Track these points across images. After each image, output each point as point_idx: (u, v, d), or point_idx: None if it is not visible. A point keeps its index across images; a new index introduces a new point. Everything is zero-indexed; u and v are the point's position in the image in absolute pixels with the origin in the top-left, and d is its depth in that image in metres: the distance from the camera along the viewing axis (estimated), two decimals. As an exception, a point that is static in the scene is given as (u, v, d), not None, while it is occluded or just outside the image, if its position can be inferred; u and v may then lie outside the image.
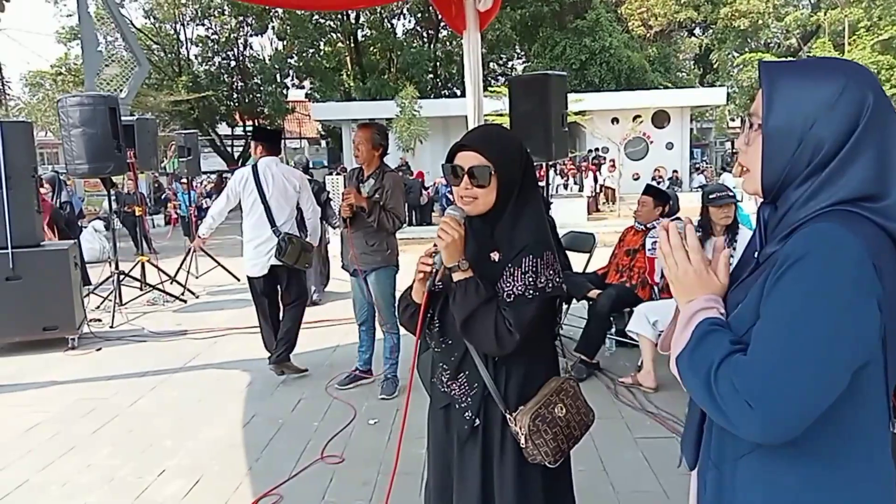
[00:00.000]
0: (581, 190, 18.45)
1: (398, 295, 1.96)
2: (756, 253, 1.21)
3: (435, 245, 1.78)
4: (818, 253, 1.02)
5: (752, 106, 1.17)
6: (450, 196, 13.97)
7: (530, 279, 1.70)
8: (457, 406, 1.84)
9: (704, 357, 1.10)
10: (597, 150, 21.87)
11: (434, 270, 1.79)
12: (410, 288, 1.90)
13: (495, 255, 1.77)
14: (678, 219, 1.29)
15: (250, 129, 31.37)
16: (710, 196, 4.45)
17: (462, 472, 1.85)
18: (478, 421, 1.81)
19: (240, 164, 30.43)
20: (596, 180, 19.11)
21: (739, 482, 1.17)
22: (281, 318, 4.92)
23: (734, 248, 4.18)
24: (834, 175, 1.08)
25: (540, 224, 1.79)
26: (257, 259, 4.74)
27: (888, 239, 1.06)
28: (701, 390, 1.09)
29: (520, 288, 1.70)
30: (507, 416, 1.77)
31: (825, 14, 26.15)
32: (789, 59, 1.16)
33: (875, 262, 1.01)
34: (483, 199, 1.75)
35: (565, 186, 18.98)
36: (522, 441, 1.74)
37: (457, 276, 1.74)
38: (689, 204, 10.32)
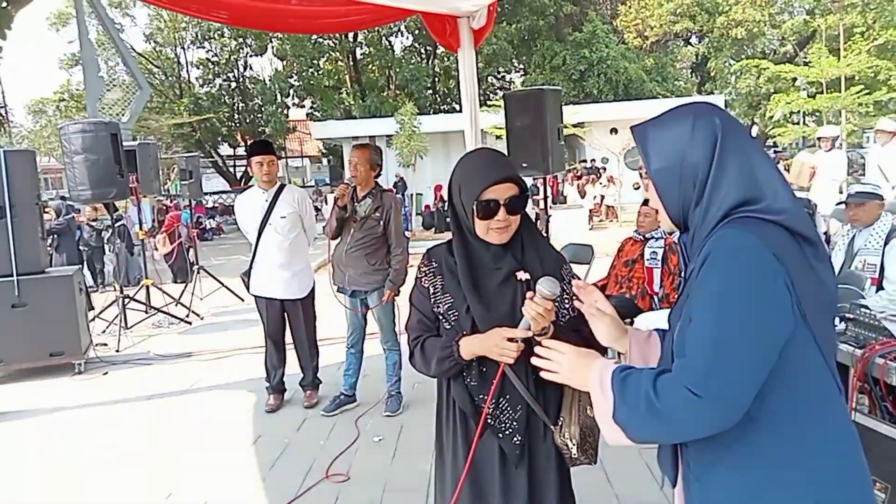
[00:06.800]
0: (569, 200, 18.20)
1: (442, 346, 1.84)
2: (684, 275, 1.36)
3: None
4: (723, 251, 1.19)
5: (639, 162, 1.35)
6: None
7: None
8: (501, 435, 1.81)
9: (636, 391, 1.22)
10: (592, 160, 21.79)
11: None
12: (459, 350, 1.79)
13: (523, 275, 1.80)
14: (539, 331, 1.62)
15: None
16: None
17: (507, 495, 1.83)
18: (522, 440, 1.82)
19: (242, 185, 30.57)
20: (583, 195, 18.61)
21: (721, 490, 1.24)
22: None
23: None
24: (714, 190, 1.26)
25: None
26: None
27: (781, 229, 1.21)
28: (647, 418, 1.20)
29: (568, 303, 1.84)
30: (554, 430, 1.79)
31: (824, 20, 26.23)
32: (650, 118, 1.32)
33: (773, 251, 1.16)
34: (515, 225, 1.82)
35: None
36: (575, 451, 1.76)
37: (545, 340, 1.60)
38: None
